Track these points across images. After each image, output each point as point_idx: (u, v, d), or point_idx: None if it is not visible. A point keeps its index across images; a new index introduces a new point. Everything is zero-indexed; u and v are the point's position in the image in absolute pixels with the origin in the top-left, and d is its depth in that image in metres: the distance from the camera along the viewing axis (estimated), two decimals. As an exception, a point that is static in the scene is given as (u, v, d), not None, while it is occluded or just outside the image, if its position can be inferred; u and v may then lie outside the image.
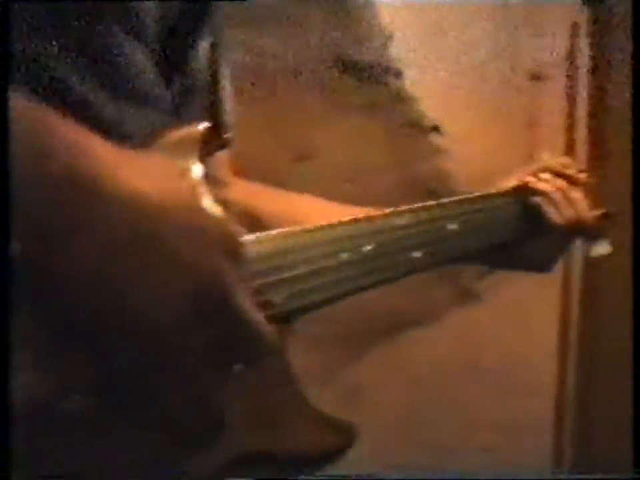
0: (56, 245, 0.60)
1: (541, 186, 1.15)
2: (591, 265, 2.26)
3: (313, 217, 0.92)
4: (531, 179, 1.16)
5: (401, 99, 2.12)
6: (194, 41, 0.83)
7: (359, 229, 0.88)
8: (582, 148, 2.26)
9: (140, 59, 0.77)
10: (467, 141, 2.20)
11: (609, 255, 1.18)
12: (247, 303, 0.65)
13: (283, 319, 0.80)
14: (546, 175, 1.16)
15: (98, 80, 0.74)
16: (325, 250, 0.84)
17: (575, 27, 2.18)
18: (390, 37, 2.05)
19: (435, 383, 2.23)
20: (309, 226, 0.84)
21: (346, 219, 0.87)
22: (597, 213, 1.18)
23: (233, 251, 0.65)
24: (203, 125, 0.77)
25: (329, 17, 1.98)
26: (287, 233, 0.82)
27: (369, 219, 0.90)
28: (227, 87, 0.86)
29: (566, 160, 1.21)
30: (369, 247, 0.88)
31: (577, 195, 1.16)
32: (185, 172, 0.69)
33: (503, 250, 1.11)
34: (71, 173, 0.60)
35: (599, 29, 2.18)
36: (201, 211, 0.64)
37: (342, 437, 0.81)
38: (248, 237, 0.78)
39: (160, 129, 0.76)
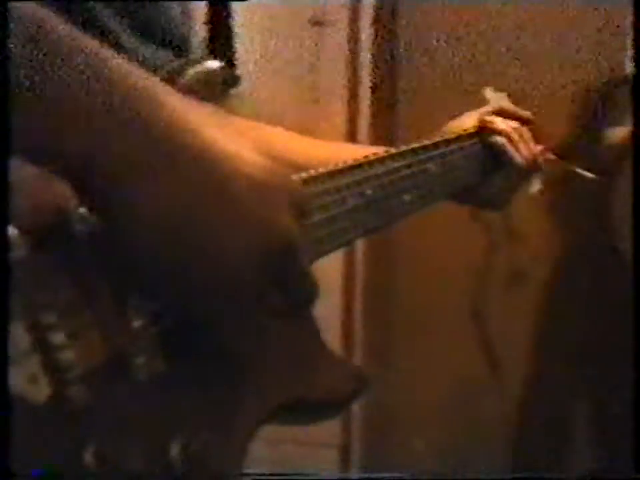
0: (128, 189, 0.57)
1: (501, 126, 1.19)
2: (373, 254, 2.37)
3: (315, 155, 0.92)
4: (490, 119, 1.20)
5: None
6: None
7: (362, 174, 0.88)
8: (365, 95, 2.34)
9: None
10: (256, 87, 2.20)
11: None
12: (307, 259, 0.66)
13: None
14: (499, 117, 1.21)
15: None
16: (335, 197, 0.84)
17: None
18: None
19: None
20: (319, 170, 0.82)
21: (351, 163, 0.87)
22: (539, 149, 1.24)
23: (300, 207, 0.65)
24: (217, 64, 0.77)
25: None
26: (304, 180, 0.80)
27: (369, 163, 0.90)
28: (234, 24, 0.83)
29: (505, 97, 1.26)
30: (370, 192, 0.88)
31: (528, 133, 1.22)
32: (231, 119, 0.68)
33: (470, 189, 1.15)
34: (146, 119, 0.58)
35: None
36: (267, 166, 0.63)
37: (360, 382, 0.84)
38: None
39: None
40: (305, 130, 1.19)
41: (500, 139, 1.19)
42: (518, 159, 1.19)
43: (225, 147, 0.60)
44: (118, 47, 0.70)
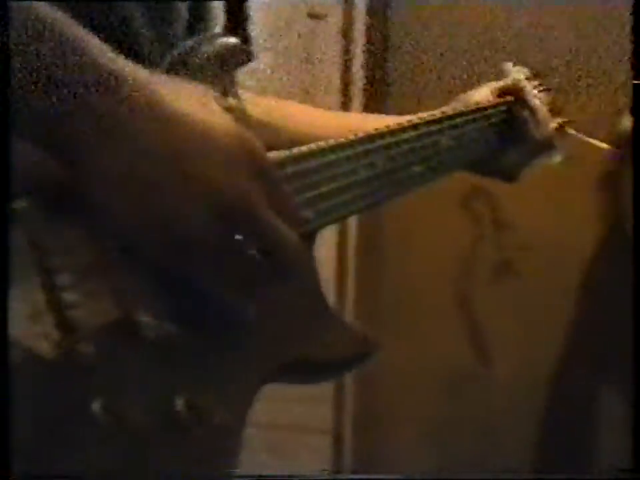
0: (89, 156, 0.62)
1: (532, 102, 1.21)
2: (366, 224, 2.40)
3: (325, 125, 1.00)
4: (524, 93, 1.21)
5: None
6: None
7: (372, 145, 0.91)
8: (359, 85, 2.37)
9: None
10: (250, 79, 2.24)
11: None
12: (273, 216, 0.68)
13: (312, 234, 0.83)
14: (532, 90, 1.23)
15: None
16: (346, 168, 0.86)
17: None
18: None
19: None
20: (331, 142, 0.85)
21: (362, 135, 0.90)
22: (554, 124, 1.26)
23: (258, 167, 0.68)
24: (230, 40, 0.79)
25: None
26: (313, 151, 0.83)
27: (380, 135, 0.92)
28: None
29: (527, 72, 1.27)
30: (381, 164, 0.91)
31: (545, 110, 1.23)
32: (213, 93, 0.72)
33: (483, 160, 1.17)
34: (108, 90, 0.62)
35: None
36: (226, 130, 0.67)
37: (366, 345, 0.86)
38: (281, 154, 0.80)
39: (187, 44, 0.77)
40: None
41: (526, 113, 1.20)
42: (536, 133, 1.20)
43: (187, 116, 0.64)
44: (128, 26, 0.75)
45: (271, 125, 1.06)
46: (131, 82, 0.62)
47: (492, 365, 2.36)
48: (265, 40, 2.28)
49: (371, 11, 2.33)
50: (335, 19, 2.32)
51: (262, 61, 2.29)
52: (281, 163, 0.80)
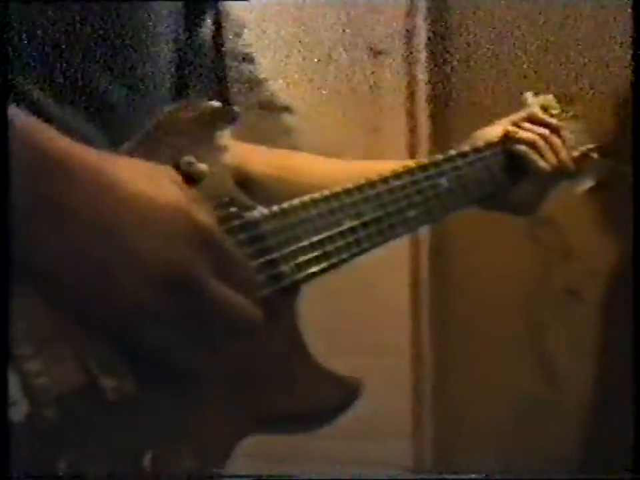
0: (39, 233, 0.66)
1: (525, 135, 1.21)
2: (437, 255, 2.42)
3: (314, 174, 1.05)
4: (514, 129, 1.22)
5: (253, 82, 2.21)
6: (199, 18, 0.89)
7: (361, 195, 0.93)
8: (424, 120, 2.40)
9: (154, 45, 0.82)
10: (316, 118, 2.30)
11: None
12: (218, 284, 0.72)
13: (292, 286, 0.86)
14: (527, 124, 1.23)
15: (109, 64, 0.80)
16: (330, 220, 0.90)
17: (411, 6, 2.32)
18: (242, 26, 2.13)
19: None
20: (315, 196, 0.89)
21: (349, 186, 0.93)
22: (577, 153, 1.26)
23: (203, 239, 0.71)
24: (213, 103, 0.83)
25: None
26: (295, 207, 0.87)
27: (370, 184, 0.95)
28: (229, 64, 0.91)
29: (550, 100, 1.28)
30: (370, 213, 0.94)
31: (556, 139, 1.23)
32: (168, 165, 0.75)
33: (492, 197, 1.17)
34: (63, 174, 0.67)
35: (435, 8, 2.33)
36: (171, 205, 0.71)
37: (348, 393, 0.89)
38: (259, 213, 0.85)
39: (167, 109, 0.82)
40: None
41: (523, 148, 1.20)
42: (543, 165, 1.20)
43: (134, 195, 0.69)
44: (105, 93, 0.80)
45: (278, 178, 1.10)
46: (79, 164, 0.67)
47: (560, 392, 2.33)
48: (328, 78, 2.34)
49: (431, 43, 2.35)
50: (398, 54, 2.35)
51: (327, 101, 2.34)
52: (258, 222, 0.85)
